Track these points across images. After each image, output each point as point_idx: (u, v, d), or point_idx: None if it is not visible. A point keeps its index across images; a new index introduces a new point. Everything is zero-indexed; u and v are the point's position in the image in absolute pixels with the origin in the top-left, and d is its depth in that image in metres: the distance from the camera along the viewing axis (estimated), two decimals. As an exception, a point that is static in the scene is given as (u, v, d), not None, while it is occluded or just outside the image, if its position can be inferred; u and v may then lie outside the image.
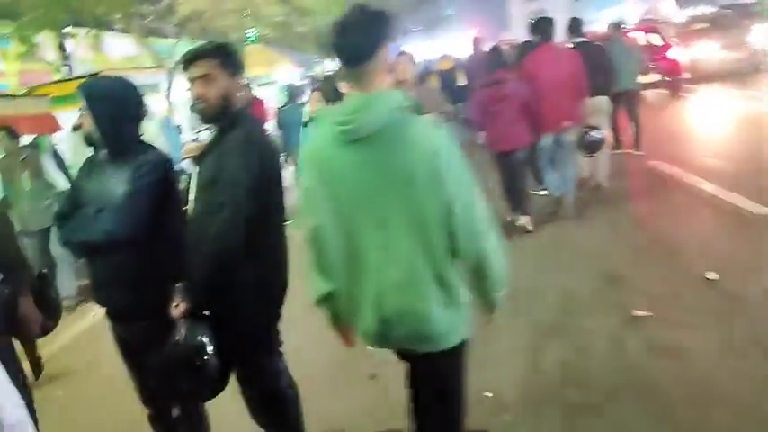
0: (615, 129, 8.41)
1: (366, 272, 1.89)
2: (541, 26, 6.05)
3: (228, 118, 2.44)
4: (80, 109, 2.56)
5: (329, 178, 1.88)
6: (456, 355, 2.00)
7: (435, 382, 2.04)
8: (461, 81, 9.88)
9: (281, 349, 2.65)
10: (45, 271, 3.61)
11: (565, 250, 5.46)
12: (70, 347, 5.33)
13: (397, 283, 1.86)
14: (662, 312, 3.98)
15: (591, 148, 6.07)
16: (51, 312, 3.09)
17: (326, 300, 2.04)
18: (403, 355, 2.08)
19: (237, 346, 2.46)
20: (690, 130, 10.06)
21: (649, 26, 17.04)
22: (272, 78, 14.37)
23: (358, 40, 1.84)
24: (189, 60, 2.41)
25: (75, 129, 6.38)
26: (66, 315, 5.73)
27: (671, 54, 13.51)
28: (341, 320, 2.10)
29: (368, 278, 1.90)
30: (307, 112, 6.56)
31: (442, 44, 39.77)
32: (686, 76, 13.95)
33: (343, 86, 4.13)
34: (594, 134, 5.98)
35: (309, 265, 2.05)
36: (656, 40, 13.95)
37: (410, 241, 1.84)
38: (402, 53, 5.34)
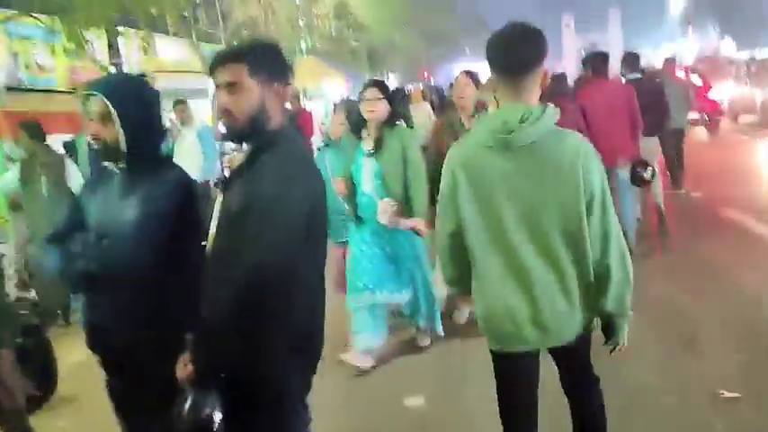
0: (667, 167, 8.34)
1: (515, 273, 2.01)
2: (594, 61, 5.94)
3: (263, 136, 1.92)
4: (91, 116, 2.07)
5: (480, 182, 1.99)
6: (589, 336, 2.19)
7: (579, 364, 2.29)
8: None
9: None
10: (37, 322, 2.99)
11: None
12: (79, 368, 4.86)
13: (551, 283, 2.00)
14: (753, 392, 3.37)
15: (641, 182, 5.98)
16: (42, 376, 2.40)
17: (458, 281, 2.23)
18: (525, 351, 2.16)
19: (255, 414, 1.95)
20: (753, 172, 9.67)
21: (697, 65, 18.71)
22: (321, 92, 14.09)
23: (525, 52, 1.99)
24: (214, 63, 1.93)
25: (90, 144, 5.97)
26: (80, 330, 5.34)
27: (711, 95, 14.09)
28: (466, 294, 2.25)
29: (516, 279, 2.01)
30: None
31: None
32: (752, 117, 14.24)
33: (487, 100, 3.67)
34: (646, 170, 5.84)
35: (442, 258, 2.20)
36: (696, 80, 14.07)
37: (562, 243, 1.98)
38: (465, 72, 4.83)
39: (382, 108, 4.07)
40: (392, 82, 33.56)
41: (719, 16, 48.66)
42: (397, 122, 4.21)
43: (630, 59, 6.80)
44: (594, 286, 2.05)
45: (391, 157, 4.04)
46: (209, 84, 11.19)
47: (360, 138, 4.27)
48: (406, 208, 4.01)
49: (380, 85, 4.22)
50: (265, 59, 1.92)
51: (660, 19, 69.85)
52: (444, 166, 2.09)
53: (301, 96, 13.76)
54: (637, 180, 5.91)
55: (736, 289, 4.98)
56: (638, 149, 5.79)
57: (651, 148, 6.35)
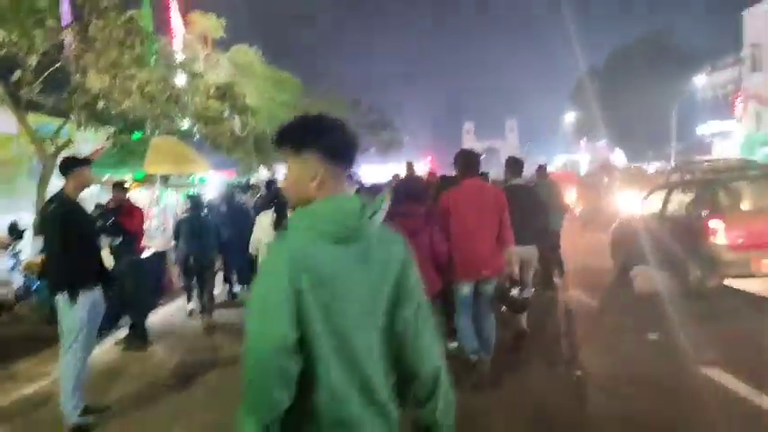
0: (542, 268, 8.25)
1: (358, 383, 1.72)
2: (463, 159, 5.24)
3: None
4: None
5: (325, 280, 1.67)
6: None
7: None
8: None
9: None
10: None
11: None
12: None
13: (378, 386, 1.76)
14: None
15: (515, 306, 5.40)
16: None
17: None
18: None
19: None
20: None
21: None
22: (184, 181, 11.68)
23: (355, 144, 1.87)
24: None
25: None
26: None
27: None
28: None
29: (360, 390, 1.72)
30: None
31: (396, 168, 39.21)
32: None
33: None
34: (522, 293, 5.29)
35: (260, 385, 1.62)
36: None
37: (385, 343, 1.79)
38: None
39: None
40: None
41: (610, 131, 51.49)
42: None
43: (513, 164, 6.41)
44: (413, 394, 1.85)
45: None
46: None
47: None
48: None
49: None
50: None
51: (555, 130, 73.58)
52: (271, 264, 1.70)
53: (158, 185, 11.29)
54: (511, 301, 5.32)
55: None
56: (504, 262, 5.17)
57: (530, 257, 6.08)
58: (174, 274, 10.28)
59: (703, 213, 7.63)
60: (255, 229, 6.70)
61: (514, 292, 5.22)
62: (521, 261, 5.78)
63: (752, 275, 7.11)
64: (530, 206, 6.10)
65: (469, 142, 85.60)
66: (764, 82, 33.64)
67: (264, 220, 6.56)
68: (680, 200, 8.52)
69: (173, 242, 8.61)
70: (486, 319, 5.20)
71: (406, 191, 4.99)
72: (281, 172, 29.73)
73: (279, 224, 6.38)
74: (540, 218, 6.44)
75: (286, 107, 21.22)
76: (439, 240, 4.69)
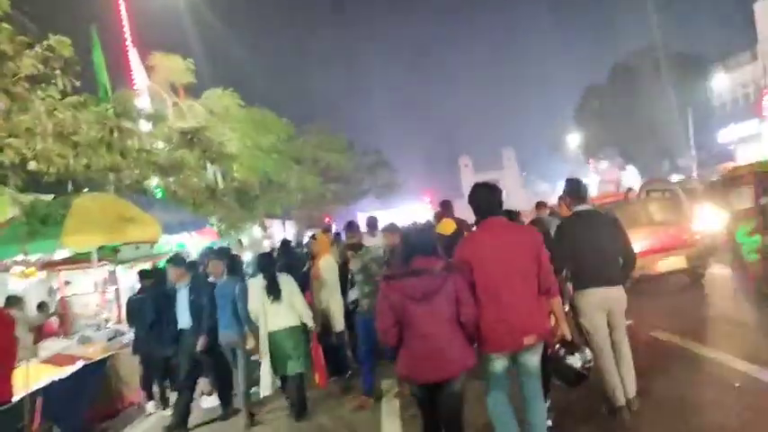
0: None
1: None
2: (480, 196, 4.23)
3: None
4: None
5: None
6: None
7: None
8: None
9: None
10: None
11: None
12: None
13: None
14: None
15: (573, 378, 4.18)
16: None
17: None
18: None
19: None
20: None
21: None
22: (128, 254, 8.75)
23: None
24: None
25: None
26: None
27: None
28: None
29: None
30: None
31: (396, 211, 36.45)
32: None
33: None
34: (575, 358, 4.09)
35: None
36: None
37: None
38: None
39: None
40: (288, 229, 28.82)
41: (620, 148, 49.13)
42: None
43: (577, 187, 5.16)
44: None
45: None
46: None
47: None
48: None
49: None
50: None
51: (554, 154, 71.13)
52: None
53: (96, 260, 8.30)
54: (561, 372, 4.22)
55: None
56: (548, 322, 4.15)
57: (618, 302, 4.78)
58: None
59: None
60: (249, 298, 6.12)
61: (572, 359, 4.22)
62: (606, 310, 4.73)
63: None
64: (610, 236, 4.92)
65: (468, 176, 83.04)
66: (788, 74, 31.21)
67: (255, 286, 6.11)
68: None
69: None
70: (533, 405, 4.10)
71: (414, 243, 4.15)
72: (276, 229, 26.88)
73: (271, 290, 6.01)
74: (624, 249, 5.13)
75: (272, 152, 18.48)
76: (466, 299, 3.88)
